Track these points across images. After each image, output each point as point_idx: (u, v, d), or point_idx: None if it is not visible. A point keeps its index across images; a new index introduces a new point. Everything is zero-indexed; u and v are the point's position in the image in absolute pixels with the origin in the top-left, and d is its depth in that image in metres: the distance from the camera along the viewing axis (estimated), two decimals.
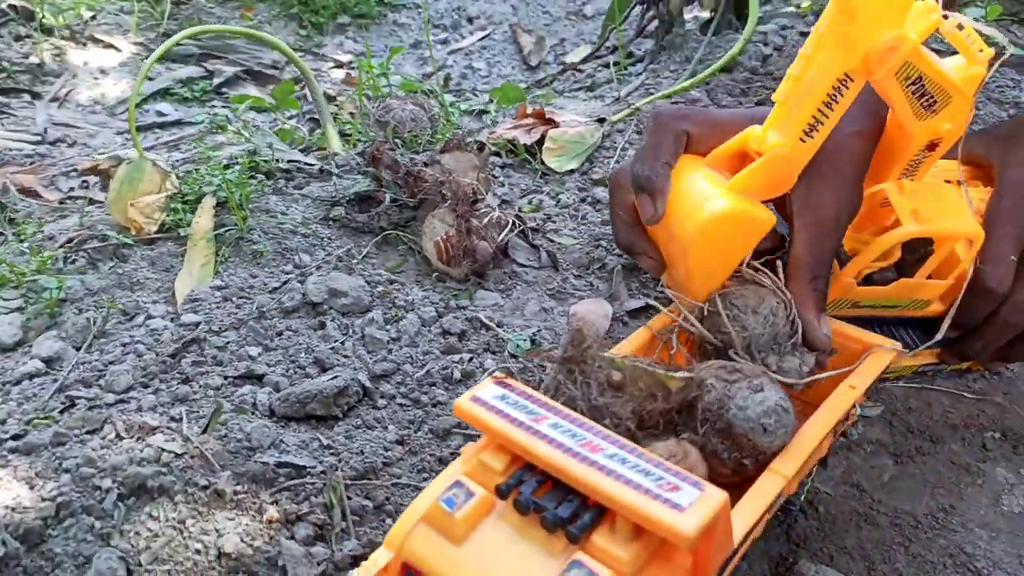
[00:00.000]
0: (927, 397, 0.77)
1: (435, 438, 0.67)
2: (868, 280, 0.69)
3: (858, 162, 0.61)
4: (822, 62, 0.55)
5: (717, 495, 0.40)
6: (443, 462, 0.65)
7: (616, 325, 0.82)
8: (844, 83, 0.55)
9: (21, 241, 0.89)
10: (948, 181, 0.73)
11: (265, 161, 1.02)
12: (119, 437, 0.59)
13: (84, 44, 1.62)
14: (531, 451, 0.45)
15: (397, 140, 1.08)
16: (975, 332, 0.69)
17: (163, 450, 0.57)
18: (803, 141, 0.57)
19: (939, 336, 0.68)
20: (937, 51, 0.60)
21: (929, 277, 0.69)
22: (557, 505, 0.43)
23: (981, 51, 0.62)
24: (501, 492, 0.45)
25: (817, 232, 0.59)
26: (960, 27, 0.61)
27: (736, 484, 0.54)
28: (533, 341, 0.77)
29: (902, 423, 0.74)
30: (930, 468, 0.70)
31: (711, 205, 0.56)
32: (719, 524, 0.42)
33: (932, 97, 0.61)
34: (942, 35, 0.60)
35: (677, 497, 0.40)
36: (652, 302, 0.85)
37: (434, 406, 0.70)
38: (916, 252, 0.69)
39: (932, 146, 0.65)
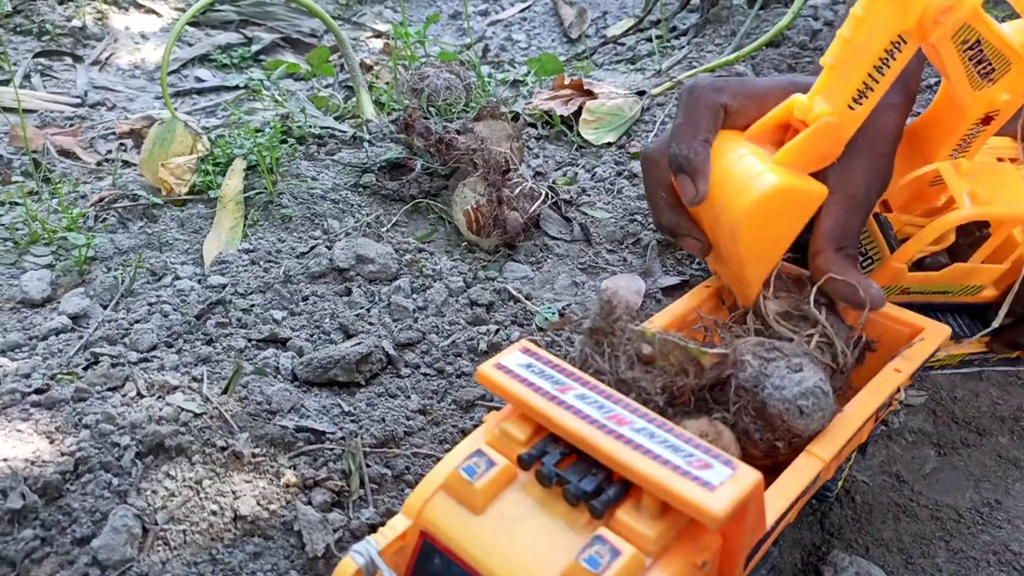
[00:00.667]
0: (974, 387, 0.73)
1: (458, 409, 0.65)
2: (919, 265, 0.65)
3: (892, 137, 0.58)
4: (874, 23, 0.51)
5: (750, 474, 0.38)
6: (465, 433, 0.63)
7: (649, 302, 0.79)
8: (897, 46, 0.51)
9: (55, 200, 0.90)
10: (1001, 159, 0.69)
11: (298, 126, 1.00)
12: (139, 395, 0.58)
13: (126, 8, 1.63)
14: (555, 421, 0.43)
15: (431, 108, 1.06)
16: None
17: (182, 409, 0.56)
18: (852, 108, 0.53)
19: (995, 324, 0.65)
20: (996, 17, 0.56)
21: (984, 262, 0.65)
22: (581, 478, 0.41)
23: None
24: (523, 463, 0.44)
25: (847, 207, 0.56)
26: None
27: (768, 467, 0.52)
28: (561, 314, 0.75)
29: (947, 413, 0.71)
30: (975, 461, 0.67)
31: (759, 182, 0.52)
32: (751, 505, 0.40)
33: (990, 64, 0.57)
34: None
35: (707, 475, 0.38)
36: (687, 279, 0.82)
37: (458, 377, 0.68)
38: (970, 236, 0.66)
39: (987, 120, 0.61)
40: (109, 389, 0.59)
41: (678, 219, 0.59)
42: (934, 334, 0.57)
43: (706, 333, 0.59)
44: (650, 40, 1.40)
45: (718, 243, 0.58)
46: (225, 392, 0.59)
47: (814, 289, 0.57)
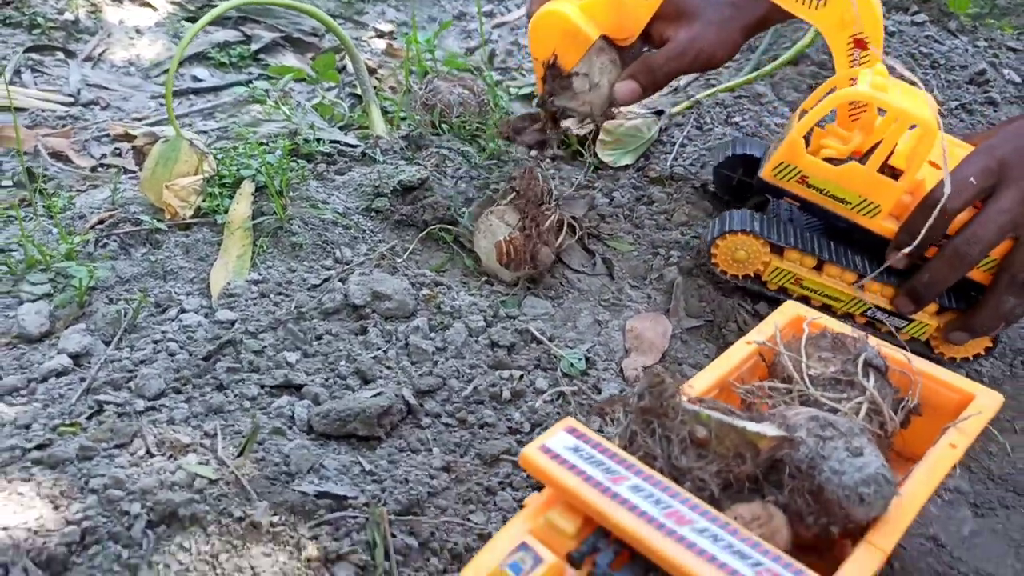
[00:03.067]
0: (1009, 439, 0.71)
1: (482, 464, 0.62)
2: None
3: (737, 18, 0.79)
4: None
5: None
6: (491, 492, 0.60)
7: (674, 343, 0.77)
8: None
9: (51, 217, 0.85)
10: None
11: (305, 141, 0.96)
12: (149, 453, 0.55)
13: (120, 1, 1.57)
14: (610, 518, 0.40)
15: (443, 124, 1.02)
16: (925, 265, 0.70)
17: (197, 475, 0.52)
18: None
19: (889, 258, 0.70)
20: None
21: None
22: None
23: None
24: (573, 561, 0.41)
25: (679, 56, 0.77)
26: None
27: (814, 547, 0.49)
28: (587, 359, 0.72)
29: (982, 469, 0.69)
30: (1015, 524, 0.65)
31: (551, 4, 0.75)
32: None
33: None
34: None
35: None
36: (711, 319, 0.79)
37: (481, 427, 0.65)
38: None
39: (860, 44, 0.71)
40: (116, 446, 0.56)
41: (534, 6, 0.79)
42: (989, 402, 0.55)
43: (746, 398, 0.56)
44: None
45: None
46: (241, 454, 0.55)
47: (862, 357, 0.55)
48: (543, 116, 0.82)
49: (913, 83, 0.70)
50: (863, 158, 0.71)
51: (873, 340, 0.57)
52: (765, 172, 0.74)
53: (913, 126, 0.68)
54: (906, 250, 0.68)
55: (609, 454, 0.43)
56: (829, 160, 0.71)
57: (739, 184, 0.88)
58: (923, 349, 0.76)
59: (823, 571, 0.42)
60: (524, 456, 0.43)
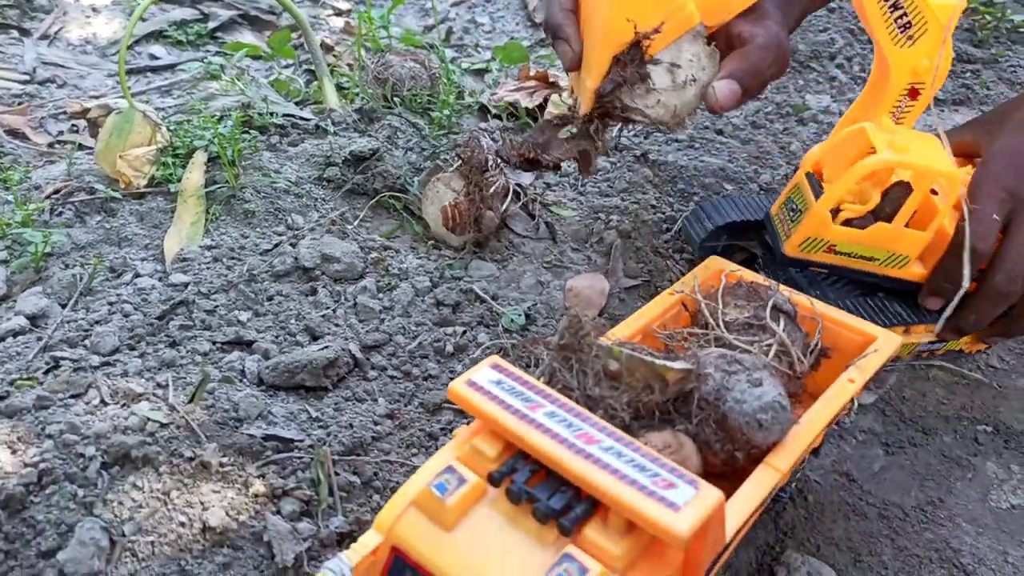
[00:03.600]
0: (921, 386, 0.77)
1: (425, 412, 0.66)
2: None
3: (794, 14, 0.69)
4: None
5: (712, 494, 0.39)
6: (433, 437, 0.64)
7: (612, 301, 0.81)
8: None
9: (7, 189, 0.87)
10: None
11: (259, 114, 0.99)
12: (103, 403, 0.58)
13: None
14: (525, 440, 0.44)
15: (395, 98, 1.05)
16: (970, 305, 0.69)
17: (148, 419, 0.56)
18: None
19: (926, 304, 0.69)
20: None
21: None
22: (550, 496, 0.42)
23: None
24: (493, 480, 0.45)
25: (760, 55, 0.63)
26: None
27: (724, 474, 0.53)
28: (528, 316, 0.76)
29: (895, 412, 0.74)
30: (921, 460, 0.70)
31: None
32: (712, 523, 0.41)
33: (907, 17, 0.62)
34: None
35: (672, 495, 0.39)
36: (648, 279, 0.84)
37: (425, 379, 0.69)
38: (895, 202, 0.68)
39: (914, 93, 0.66)
40: (72, 396, 0.58)
41: (565, 20, 0.64)
42: (887, 343, 0.60)
43: (668, 343, 0.60)
44: None
45: (585, 43, 0.63)
46: (191, 401, 0.58)
47: (771, 302, 0.59)
48: (586, 118, 0.65)
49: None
50: (877, 212, 0.68)
51: (784, 289, 0.61)
52: (790, 249, 0.69)
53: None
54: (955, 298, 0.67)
55: (529, 386, 0.47)
56: (848, 222, 0.67)
57: (724, 249, 0.82)
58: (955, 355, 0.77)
59: (730, 493, 0.47)
60: (452, 389, 0.47)
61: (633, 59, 0.60)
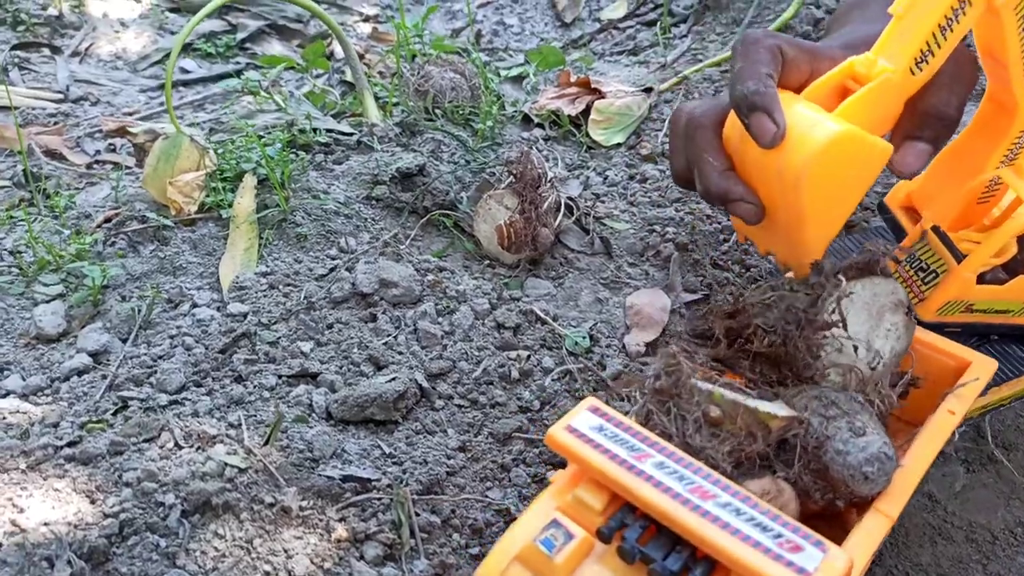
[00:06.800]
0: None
1: (496, 443, 0.65)
2: (979, 281, 0.64)
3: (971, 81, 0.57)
4: None
5: (841, 559, 0.38)
6: (506, 469, 0.63)
7: (673, 317, 0.79)
8: (963, 5, 0.51)
9: (56, 217, 0.86)
10: None
11: (302, 131, 0.98)
12: (178, 446, 0.57)
13: None
14: (637, 495, 0.42)
15: (436, 110, 1.04)
16: None
17: (226, 464, 0.55)
18: (913, 73, 0.52)
19: None
20: None
21: None
22: (665, 556, 0.41)
23: None
24: (603, 536, 0.43)
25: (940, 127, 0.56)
26: None
27: (820, 514, 0.51)
28: (591, 337, 0.74)
29: (971, 427, 0.72)
30: (1004, 478, 0.68)
31: (826, 128, 0.49)
32: None
33: None
34: None
35: (800, 559, 0.38)
36: (708, 293, 0.82)
37: (493, 407, 0.68)
38: None
39: None
40: (145, 440, 0.58)
41: (728, 183, 0.55)
42: (983, 368, 0.57)
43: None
44: (649, 25, 1.38)
45: (774, 207, 0.55)
46: (267, 443, 0.57)
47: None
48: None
49: None
50: (1015, 265, 0.64)
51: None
52: (926, 315, 0.63)
53: None
54: None
55: (632, 432, 0.45)
56: (980, 279, 0.63)
57: None
58: None
59: (831, 537, 0.45)
60: (550, 436, 0.45)
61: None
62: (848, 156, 0.50)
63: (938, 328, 0.63)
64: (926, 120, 0.55)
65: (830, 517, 0.50)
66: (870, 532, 0.46)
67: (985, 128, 0.62)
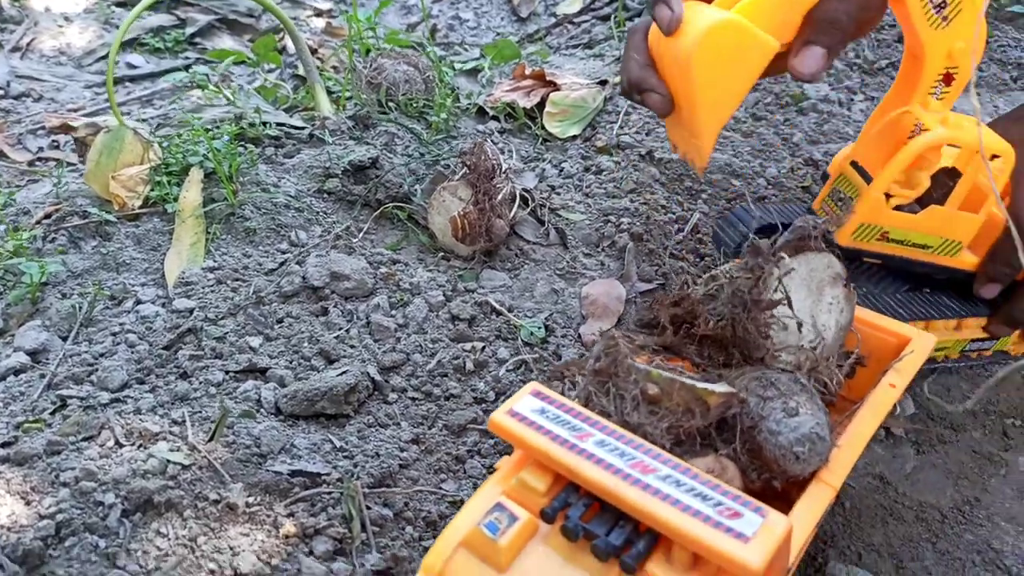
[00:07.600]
0: (945, 381, 0.76)
1: (450, 435, 0.64)
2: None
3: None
4: None
5: (781, 522, 0.38)
6: (460, 461, 0.62)
7: (629, 306, 0.79)
8: None
9: None
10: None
11: (251, 125, 0.96)
12: (119, 444, 0.55)
13: None
14: (579, 473, 0.42)
15: (390, 103, 1.02)
16: (1020, 292, 0.68)
17: (168, 461, 0.53)
18: None
19: (982, 292, 0.68)
20: None
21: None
22: (608, 531, 0.41)
23: None
24: (546, 516, 0.43)
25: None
26: None
27: (763, 492, 0.52)
28: (546, 327, 0.74)
29: (922, 410, 0.73)
30: (952, 458, 0.69)
31: (711, 15, 0.56)
32: (781, 551, 0.40)
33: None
34: None
35: (739, 525, 0.38)
36: (663, 283, 0.82)
37: (447, 399, 0.67)
38: (944, 187, 0.67)
39: (948, 78, 0.65)
40: (84, 439, 0.56)
41: (644, 74, 0.62)
42: (922, 344, 0.58)
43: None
44: (604, 20, 1.38)
45: (678, 97, 0.60)
46: (212, 438, 0.56)
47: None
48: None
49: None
50: (924, 199, 0.67)
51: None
52: (842, 239, 0.66)
53: (994, 156, 0.65)
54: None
55: (574, 413, 0.45)
56: (899, 208, 0.66)
57: None
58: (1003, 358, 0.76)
59: (777, 509, 0.45)
60: (493, 421, 0.45)
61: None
62: (733, 43, 0.56)
63: (856, 256, 0.67)
64: (820, 26, 0.60)
65: (778, 497, 0.50)
66: (813, 501, 0.46)
67: (905, 80, 0.66)
